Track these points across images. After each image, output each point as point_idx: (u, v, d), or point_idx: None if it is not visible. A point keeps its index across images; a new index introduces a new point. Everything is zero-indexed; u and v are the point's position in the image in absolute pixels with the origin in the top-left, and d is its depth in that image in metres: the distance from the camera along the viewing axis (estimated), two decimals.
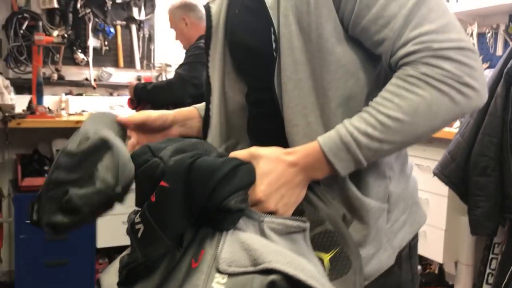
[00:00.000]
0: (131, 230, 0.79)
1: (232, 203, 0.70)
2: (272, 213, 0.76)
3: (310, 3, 0.77)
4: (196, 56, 2.48)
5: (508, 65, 2.08)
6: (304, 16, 0.78)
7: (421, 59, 0.73)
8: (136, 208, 0.80)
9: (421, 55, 0.73)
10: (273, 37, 0.81)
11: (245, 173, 0.75)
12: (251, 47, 0.88)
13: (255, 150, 0.79)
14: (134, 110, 2.76)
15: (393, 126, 0.74)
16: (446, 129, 2.19)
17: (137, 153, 0.80)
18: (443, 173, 2.17)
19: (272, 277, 0.64)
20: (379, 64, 0.82)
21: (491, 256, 2.27)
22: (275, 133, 0.85)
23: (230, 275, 0.67)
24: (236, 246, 0.70)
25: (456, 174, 2.14)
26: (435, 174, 2.20)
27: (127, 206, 2.76)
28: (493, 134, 2.08)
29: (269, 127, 0.90)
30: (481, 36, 2.95)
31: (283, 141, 0.83)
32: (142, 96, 2.67)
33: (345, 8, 0.77)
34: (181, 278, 0.72)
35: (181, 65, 2.64)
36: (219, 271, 0.68)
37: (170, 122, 1.03)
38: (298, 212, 0.79)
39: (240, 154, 0.79)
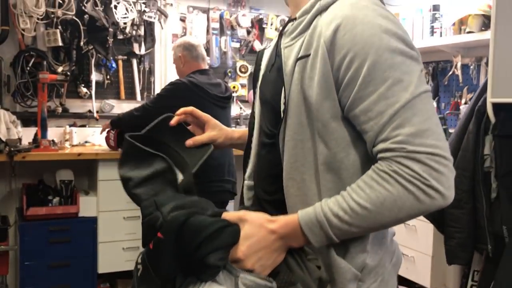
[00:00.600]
0: (135, 269, 0.95)
1: (211, 260, 0.84)
2: (250, 271, 0.88)
3: (314, 80, 0.90)
4: (166, 90, 2.73)
5: (479, 103, 2.20)
6: (307, 89, 0.91)
7: (395, 157, 0.83)
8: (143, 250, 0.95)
9: (396, 154, 0.83)
10: (283, 100, 0.95)
11: (229, 235, 0.88)
12: (269, 102, 1.03)
13: (244, 214, 0.92)
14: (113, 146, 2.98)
15: (361, 213, 0.85)
16: None
17: (145, 205, 0.95)
18: None
19: None
20: None
21: (470, 283, 2.36)
22: (276, 177, 0.99)
23: None
24: None
25: None
26: None
27: (126, 233, 2.94)
28: (465, 168, 2.19)
29: (271, 173, 1.03)
30: (465, 67, 3.07)
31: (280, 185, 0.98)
32: (118, 125, 2.94)
33: (343, 93, 0.89)
34: None
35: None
36: None
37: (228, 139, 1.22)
38: (274, 273, 0.91)
39: (230, 216, 0.91)
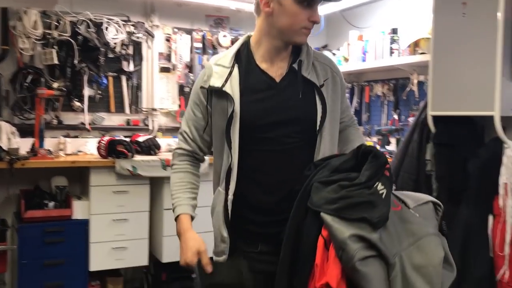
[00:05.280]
0: (376, 194, 1.28)
1: None
2: None
3: (338, 96, 1.58)
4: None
5: (422, 115, 2.55)
6: (335, 102, 1.57)
7: (355, 124, 1.74)
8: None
9: (355, 123, 1.75)
10: (321, 114, 1.52)
11: None
12: (300, 119, 1.53)
13: None
14: None
15: None
16: None
17: None
18: None
19: None
20: None
21: None
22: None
23: None
24: None
25: None
26: None
27: (115, 234, 3.27)
28: (411, 171, 2.54)
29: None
30: (421, 84, 3.42)
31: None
32: None
33: (341, 104, 1.61)
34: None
35: None
36: None
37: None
38: None
39: None
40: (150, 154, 3.46)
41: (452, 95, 2.34)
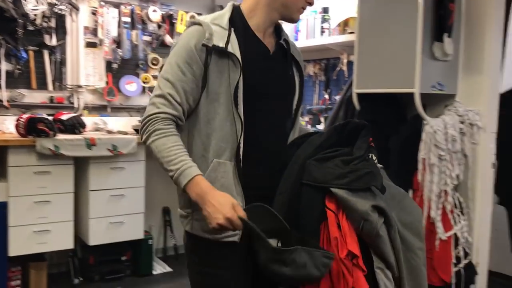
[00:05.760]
0: (374, 164, 1.45)
1: None
2: None
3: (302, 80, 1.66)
4: None
5: (348, 93, 2.58)
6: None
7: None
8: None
9: None
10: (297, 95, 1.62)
11: None
12: (283, 96, 1.59)
13: None
14: None
15: None
16: None
17: None
18: None
19: None
20: None
21: None
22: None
23: None
24: None
25: None
26: None
27: (37, 217, 3.10)
28: None
29: None
30: (350, 63, 3.46)
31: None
32: None
33: None
34: None
35: None
36: None
37: None
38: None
39: None
40: (75, 133, 3.31)
41: (375, 73, 2.38)
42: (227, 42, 1.39)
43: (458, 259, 2.27)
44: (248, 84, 1.41)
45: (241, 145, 1.41)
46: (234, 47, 1.40)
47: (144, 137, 1.40)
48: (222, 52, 1.39)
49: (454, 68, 2.31)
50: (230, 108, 1.40)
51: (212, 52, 1.39)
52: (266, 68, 1.50)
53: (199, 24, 1.42)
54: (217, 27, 1.41)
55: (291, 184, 1.41)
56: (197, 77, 1.40)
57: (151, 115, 1.39)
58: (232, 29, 1.43)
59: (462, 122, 2.28)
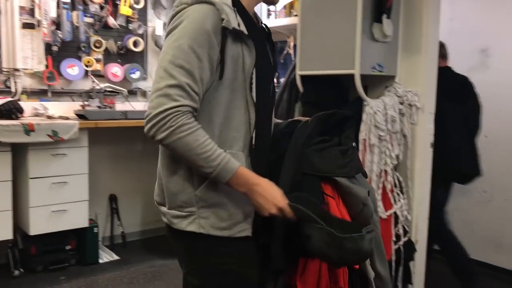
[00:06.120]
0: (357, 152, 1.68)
1: None
2: None
3: None
4: None
5: (292, 76, 2.58)
6: None
7: None
8: None
9: None
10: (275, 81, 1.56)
11: None
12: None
13: None
14: None
15: None
16: None
17: None
18: None
19: None
20: None
21: None
22: None
23: None
24: None
25: None
26: None
27: None
28: None
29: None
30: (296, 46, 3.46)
31: None
32: None
33: None
34: None
35: None
36: None
37: None
38: None
39: None
40: (11, 119, 3.16)
41: (318, 55, 2.38)
42: (239, 24, 1.28)
43: (398, 237, 2.33)
44: (257, 69, 1.32)
45: (254, 134, 1.35)
46: (245, 30, 1.30)
47: (162, 134, 1.22)
48: (237, 35, 1.28)
49: (393, 49, 2.35)
50: (245, 95, 1.32)
51: (228, 36, 1.27)
52: (265, 50, 1.44)
53: (210, 3, 1.27)
54: (226, 7, 1.27)
55: (292, 173, 1.46)
56: (213, 63, 1.27)
57: (169, 108, 1.21)
58: (235, 10, 1.30)
59: (401, 103, 2.33)
